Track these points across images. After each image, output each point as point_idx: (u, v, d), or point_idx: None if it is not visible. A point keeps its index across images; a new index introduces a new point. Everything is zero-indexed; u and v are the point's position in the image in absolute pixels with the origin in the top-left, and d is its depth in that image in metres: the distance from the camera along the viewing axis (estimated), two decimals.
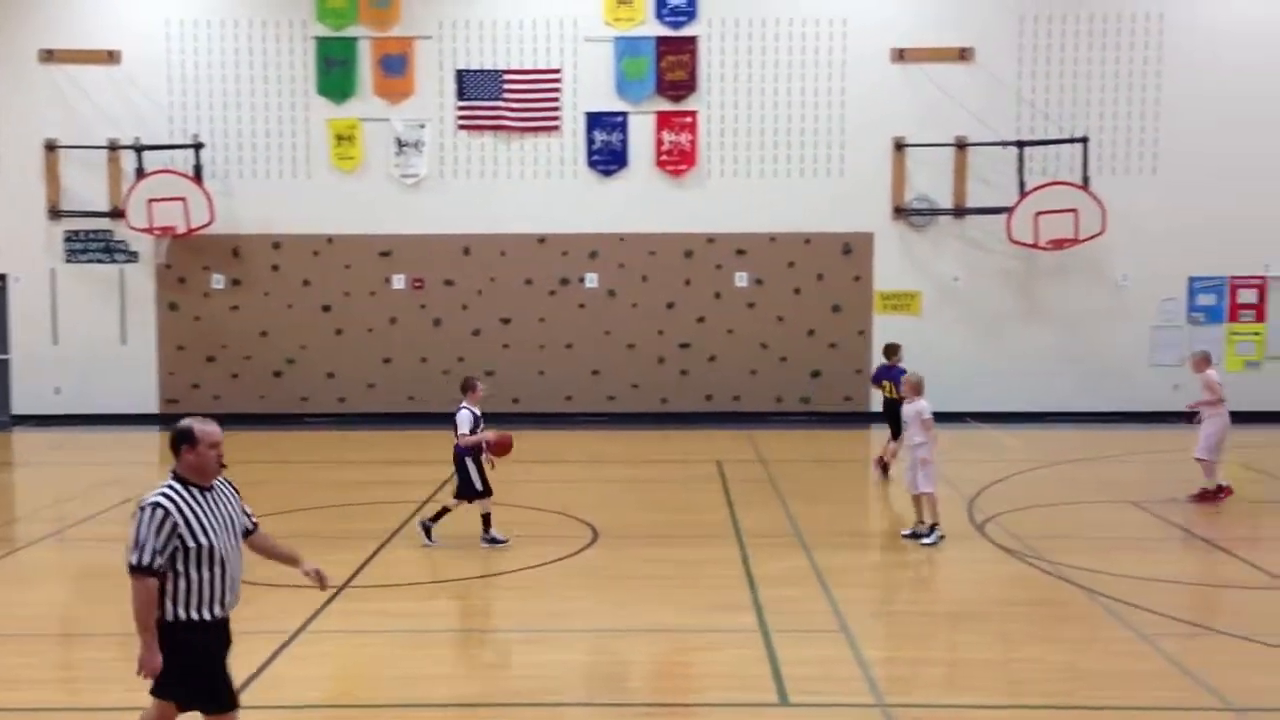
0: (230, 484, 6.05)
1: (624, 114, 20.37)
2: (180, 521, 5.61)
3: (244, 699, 7.53)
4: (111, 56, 20.36)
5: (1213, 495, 13.54)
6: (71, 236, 20.59)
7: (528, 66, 20.39)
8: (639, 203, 20.42)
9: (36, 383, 20.73)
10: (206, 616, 5.73)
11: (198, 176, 19.99)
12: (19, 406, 20.82)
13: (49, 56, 20.32)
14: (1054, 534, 12.18)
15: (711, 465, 16.20)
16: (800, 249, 20.47)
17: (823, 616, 9.34)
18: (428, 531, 11.68)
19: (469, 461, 11.64)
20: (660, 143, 20.39)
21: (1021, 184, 19.47)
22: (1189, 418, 14.08)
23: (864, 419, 20.34)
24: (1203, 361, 14.08)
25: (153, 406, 20.72)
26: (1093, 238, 19.25)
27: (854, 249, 20.46)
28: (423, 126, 20.48)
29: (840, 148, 20.35)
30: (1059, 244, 19.28)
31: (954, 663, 8.50)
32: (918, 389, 12.04)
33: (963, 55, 20.10)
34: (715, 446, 17.81)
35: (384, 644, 8.77)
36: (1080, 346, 20.28)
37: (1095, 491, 14.57)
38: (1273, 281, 20.28)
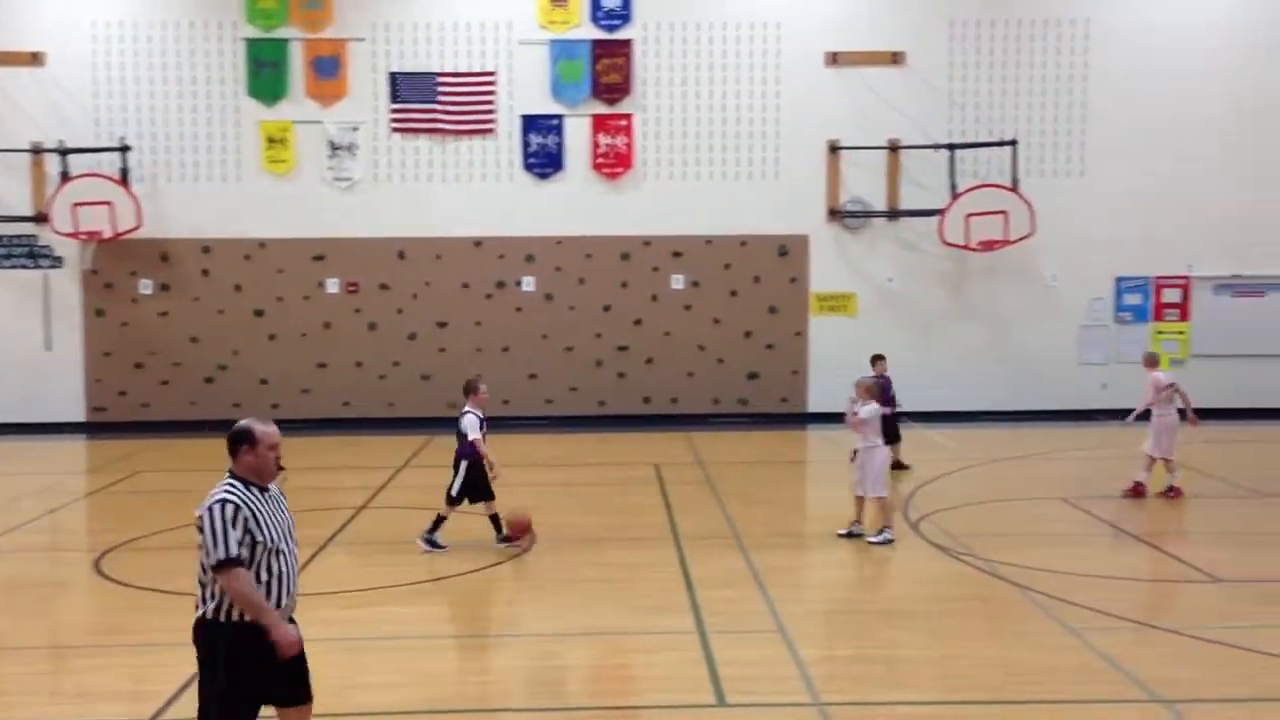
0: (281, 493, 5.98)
1: (559, 117, 20.34)
2: (249, 515, 5.56)
3: (171, 713, 7.44)
4: (36, 58, 19.94)
5: (1165, 491, 13.87)
6: None
7: (462, 69, 20.29)
8: (575, 205, 20.40)
9: None
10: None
11: (124, 180, 19.64)
12: None
13: None
14: (987, 531, 12.36)
15: (649, 468, 16.21)
16: (737, 251, 20.57)
17: (760, 617, 9.38)
18: (433, 544, 11.54)
19: (465, 465, 11.55)
20: (596, 145, 20.39)
21: (953, 186, 19.75)
22: (1145, 416, 14.24)
23: (801, 420, 20.49)
24: (1150, 361, 14.38)
25: (79, 415, 20.28)
26: (1022, 239, 19.58)
27: (790, 251, 20.60)
28: (356, 129, 20.30)
29: (775, 150, 20.49)
30: (990, 245, 19.58)
31: (889, 660, 8.58)
32: (871, 393, 12.13)
33: (895, 59, 20.33)
34: (653, 449, 17.84)
35: (320, 652, 8.60)
36: (1011, 346, 20.60)
37: (1027, 489, 14.80)
38: (1196, 281, 20.76)
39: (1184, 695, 7.57)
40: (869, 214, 20.51)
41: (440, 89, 20.28)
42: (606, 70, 20.28)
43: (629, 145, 20.39)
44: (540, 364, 20.66)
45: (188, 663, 8.19)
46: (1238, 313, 20.68)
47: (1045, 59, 20.42)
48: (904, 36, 20.33)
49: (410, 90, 20.27)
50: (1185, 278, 20.78)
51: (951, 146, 19.90)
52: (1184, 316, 20.84)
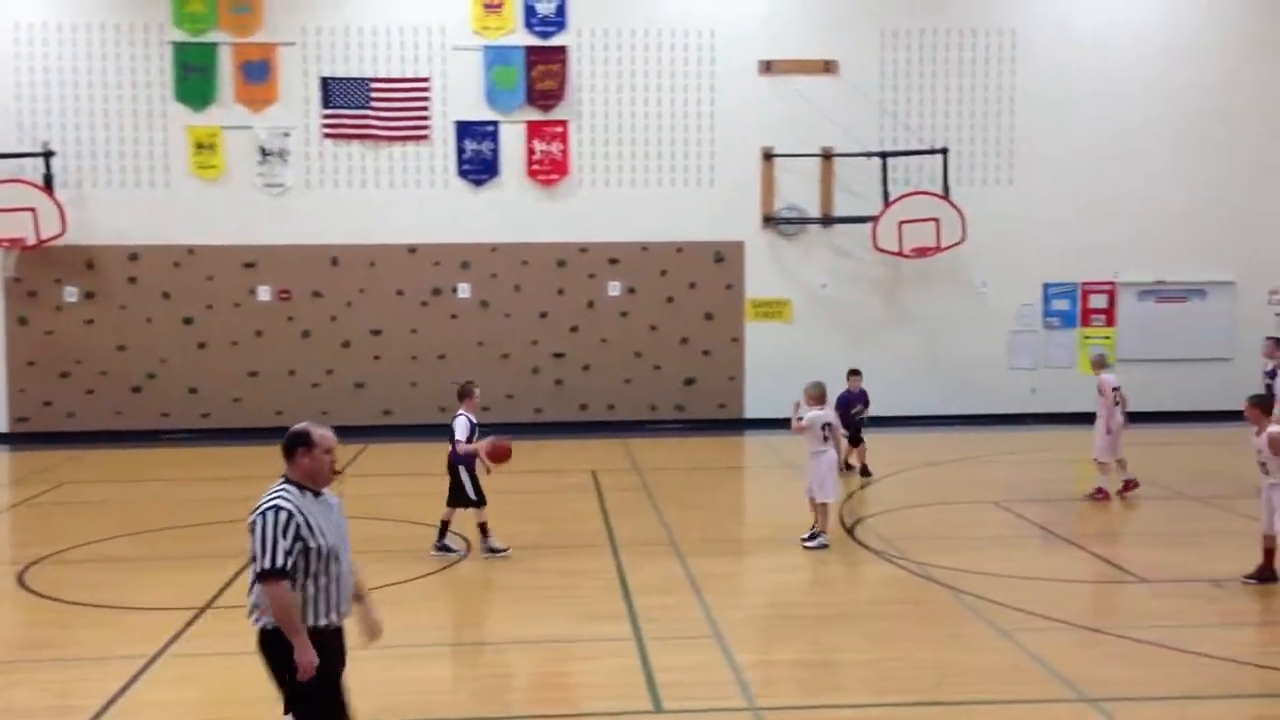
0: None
1: (494, 123, 20.26)
2: (302, 522, 5.48)
3: None
4: None
5: (1125, 488, 14.16)
6: None
7: (395, 75, 20.14)
8: (511, 212, 20.33)
9: None
10: (332, 622, 5.63)
11: (48, 186, 19.21)
12: None
13: None
14: (920, 535, 12.50)
15: (586, 475, 16.19)
16: (672, 258, 20.63)
17: (696, 623, 9.41)
18: (445, 549, 11.57)
19: (463, 470, 11.56)
20: (532, 152, 20.34)
21: (885, 194, 19.97)
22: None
23: (738, 426, 20.58)
24: (1099, 363, 14.69)
25: (2, 425, 19.77)
26: (954, 245, 19.84)
27: (725, 257, 20.70)
28: (287, 135, 20.05)
29: (710, 157, 20.59)
30: (922, 252, 19.83)
31: (824, 664, 8.65)
32: (819, 399, 12.19)
33: (827, 68, 20.53)
34: (590, 456, 17.82)
35: (251, 665, 8.47)
36: (943, 351, 20.85)
37: (959, 493, 15.00)
38: (1122, 287, 21.18)
39: (1112, 694, 7.71)
40: (803, 221, 20.68)
41: (373, 95, 20.11)
42: (541, 77, 20.24)
43: (564, 152, 20.37)
44: (476, 371, 20.41)
45: (114, 677, 8.09)
46: (1161, 318, 21.13)
47: (974, 68, 20.74)
48: (836, 45, 20.53)
49: (342, 96, 20.08)
50: (1111, 284, 21.20)
51: (884, 154, 20.14)
52: (1110, 322, 21.25)
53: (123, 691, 7.89)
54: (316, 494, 5.70)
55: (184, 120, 19.90)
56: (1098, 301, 21.22)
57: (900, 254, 19.89)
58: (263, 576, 5.43)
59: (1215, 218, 20.90)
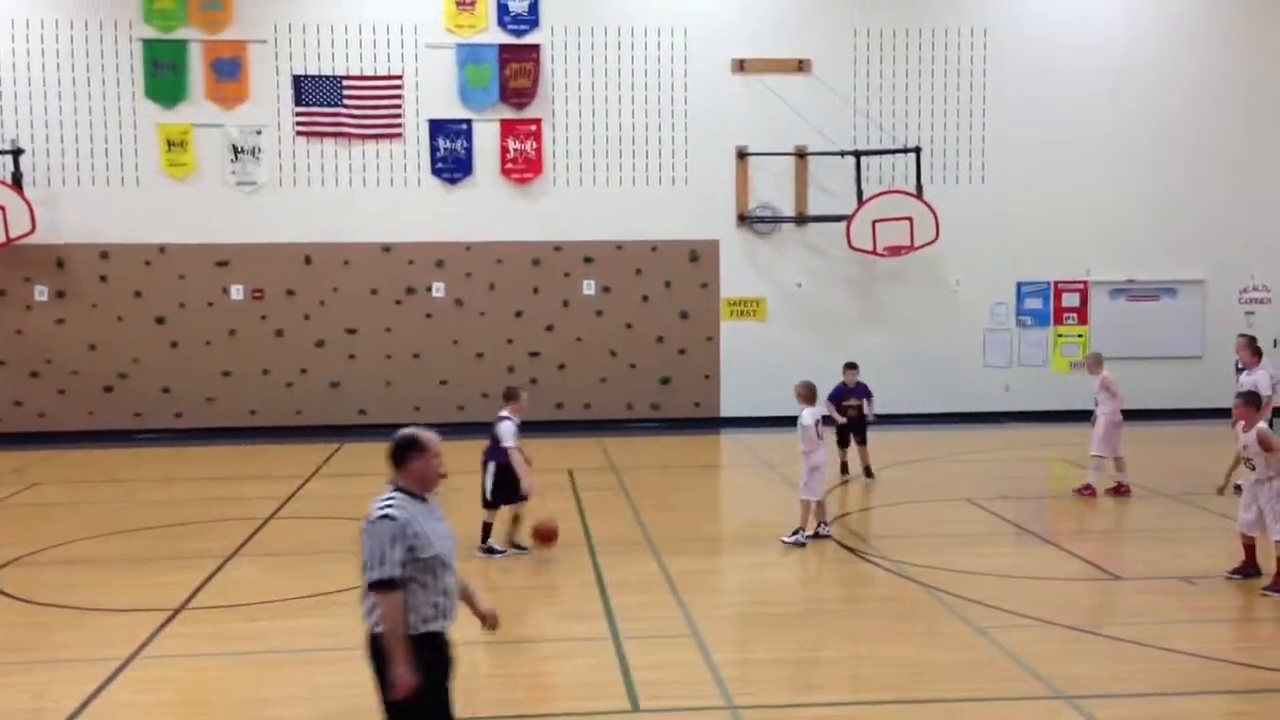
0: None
1: (468, 121, 20.20)
2: (414, 533, 5.46)
3: None
4: None
5: (1116, 489, 14.21)
6: None
7: (368, 72, 20.04)
8: (485, 211, 20.27)
9: None
10: (443, 628, 5.64)
11: (17, 184, 19.02)
12: None
13: None
14: (896, 533, 12.55)
15: (562, 473, 16.15)
16: (647, 256, 20.62)
17: (673, 622, 9.40)
18: (491, 550, 11.54)
19: (494, 466, 11.58)
20: (505, 150, 20.29)
21: (859, 193, 20.03)
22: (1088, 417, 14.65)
23: (714, 424, 20.60)
24: (1096, 363, 14.69)
25: None
26: (927, 244, 19.93)
27: (700, 256, 20.71)
28: (259, 132, 19.92)
29: (685, 156, 20.59)
30: (896, 250, 19.90)
31: (801, 662, 8.66)
32: (809, 397, 12.16)
33: (801, 67, 20.57)
34: (566, 454, 17.78)
35: (225, 666, 8.48)
36: (917, 349, 20.95)
37: (934, 491, 15.05)
38: (1094, 286, 21.34)
39: (1087, 690, 7.75)
40: (777, 219, 20.72)
41: (346, 92, 20.00)
42: (515, 75, 20.19)
43: (538, 150, 20.32)
44: (451, 370, 20.48)
45: (89, 679, 8.01)
46: (1133, 316, 21.30)
47: (947, 67, 20.85)
48: (810, 44, 20.57)
49: (314, 93, 19.96)
50: (1083, 282, 21.34)
51: (857, 153, 20.20)
52: (1082, 320, 21.39)
53: (97, 693, 7.82)
54: (423, 500, 5.66)
55: (155, 118, 19.75)
56: (1070, 300, 21.36)
57: (874, 253, 19.96)
58: (377, 586, 5.45)
59: (1186, 217, 21.09)
